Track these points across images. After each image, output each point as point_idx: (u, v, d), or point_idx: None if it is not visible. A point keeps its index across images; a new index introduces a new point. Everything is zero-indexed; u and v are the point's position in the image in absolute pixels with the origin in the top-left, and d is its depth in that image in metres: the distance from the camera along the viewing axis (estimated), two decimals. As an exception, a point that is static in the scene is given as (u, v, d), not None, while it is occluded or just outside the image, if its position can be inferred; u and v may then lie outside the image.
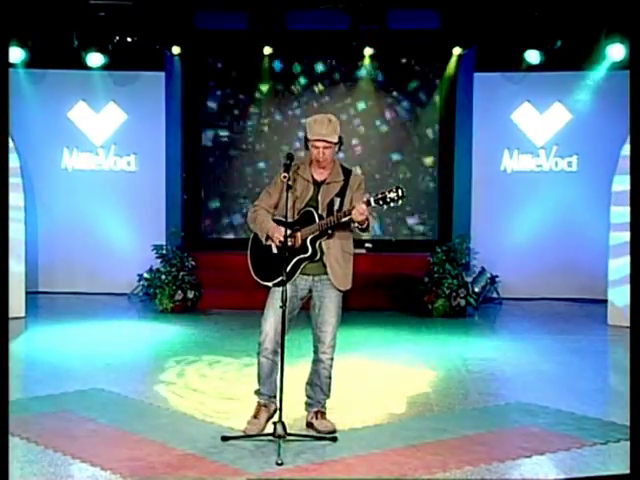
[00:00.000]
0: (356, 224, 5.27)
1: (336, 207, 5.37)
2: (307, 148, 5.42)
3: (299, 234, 5.34)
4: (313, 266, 5.41)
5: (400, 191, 5.11)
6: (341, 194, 5.40)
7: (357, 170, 5.41)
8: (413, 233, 12.24)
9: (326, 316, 5.44)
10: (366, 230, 5.34)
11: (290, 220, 5.35)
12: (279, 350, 5.25)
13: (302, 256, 5.35)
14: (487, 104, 11.52)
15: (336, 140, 5.33)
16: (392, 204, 5.15)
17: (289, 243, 5.26)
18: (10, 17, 4.89)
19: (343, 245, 5.44)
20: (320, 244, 5.36)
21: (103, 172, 11.79)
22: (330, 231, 5.34)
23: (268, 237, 5.40)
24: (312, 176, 5.43)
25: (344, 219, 5.25)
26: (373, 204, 5.14)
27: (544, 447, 5.25)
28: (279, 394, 5.18)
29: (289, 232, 5.28)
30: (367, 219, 5.22)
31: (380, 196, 5.13)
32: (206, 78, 12.24)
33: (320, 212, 5.36)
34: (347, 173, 5.49)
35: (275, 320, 5.32)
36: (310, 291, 5.49)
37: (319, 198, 5.40)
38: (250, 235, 5.58)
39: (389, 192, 5.12)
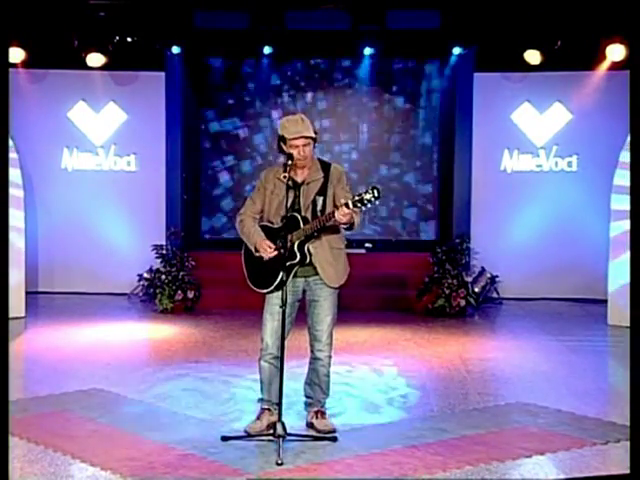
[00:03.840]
0: (342, 225, 5.28)
1: (319, 207, 5.36)
2: (281, 151, 5.38)
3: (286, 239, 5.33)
4: (304, 268, 5.40)
5: (376, 191, 5.06)
6: (322, 192, 5.39)
7: (339, 164, 5.38)
8: (413, 233, 12.24)
9: (321, 315, 5.44)
10: (351, 229, 5.32)
11: (275, 226, 5.36)
12: (280, 355, 5.26)
13: (292, 262, 5.34)
14: (487, 104, 11.52)
15: (313, 135, 5.31)
16: (369, 205, 5.11)
17: (279, 252, 5.28)
18: (10, 17, 4.87)
19: (331, 242, 5.43)
20: (308, 247, 5.36)
21: (103, 172, 11.80)
22: (316, 234, 5.34)
23: (257, 249, 5.40)
24: (292, 178, 5.40)
25: (328, 223, 5.25)
26: (352, 207, 5.09)
27: (544, 447, 5.25)
28: (279, 394, 5.18)
29: (278, 241, 5.29)
30: (351, 219, 5.20)
31: (357, 198, 5.08)
32: (206, 77, 12.24)
33: (304, 214, 5.35)
34: (326, 168, 5.46)
35: (274, 326, 5.33)
36: (304, 292, 5.50)
37: (301, 200, 5.39)
38: (243, 244, 5.56)
39: (365, 193, 5.07)
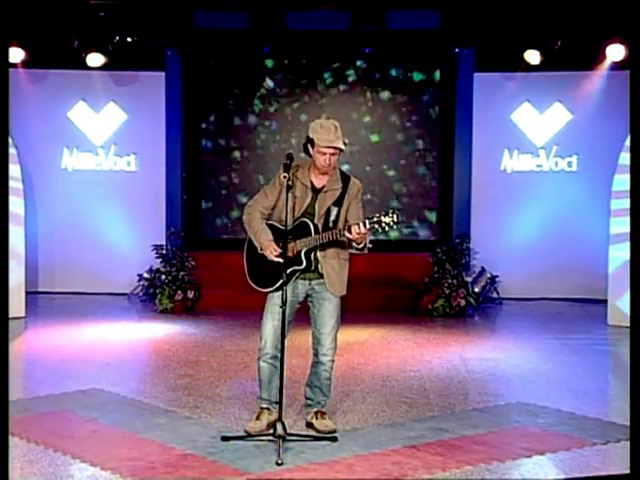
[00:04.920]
0: (353, 243, 5.27)
1: (332, 217, 5.36)
2: (306, 152, 5.38)
3: (293, 245, 5.33)
4: (310, 272, 5.40)
5: (395, 216, 5.06)
6: (338, 203, 5.39)
7: (354, 179, 5.42)
8: (413, 233, 12.24)
9: (325, 318, 5.44)
10: (362, 249, 5.31)
11: (285, 228, 5.33)
12: (279, 355, 5.26)
13: (296, 268, 5.35)
14: (487, 104, 11.52)
15: (343, 147, 5.30)
16: (387, 229, 5.11)
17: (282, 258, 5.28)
18: (10, 17, 4.88)
19: (339, 252, 5.43)
20: (315, 254, 5.36)
21: (103, 172, 11.80)
22: (324, 245, 5.34)
23: (262, 248, 5.40)
24: (311, 182, 5.41)
25: (340, 238, 5.25)
26: (368, 226, 5.09)
27: (544, 447, 5.25)
28: (279, 394, 5.19)
29: (285, 243, 5.27)
30: (364, 239, 5.21)
31: (375, 220, 5.08)
32: (206, 78, 12.24)
33: (316, 221, 5.35)
34: (346, 180, 5.46)
35: (274, 325, 5.33)
36: (308, 295, 5.49)
37: (316, 206, 5.38)
38: (246, 239, 5.56)
39: (384, 216, 5.07)
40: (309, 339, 5.60)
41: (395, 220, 5.05)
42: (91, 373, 7.19)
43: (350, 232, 5.14)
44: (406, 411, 6.11)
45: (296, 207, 5.35)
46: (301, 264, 5.33)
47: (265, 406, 5.49)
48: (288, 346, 5.37)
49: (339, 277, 5.43)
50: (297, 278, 5.39)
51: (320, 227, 5.33)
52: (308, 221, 5.34)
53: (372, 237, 5.42)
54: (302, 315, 5.57)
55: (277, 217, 5.46)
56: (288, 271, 5.28)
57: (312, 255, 5.35)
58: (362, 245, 5.27)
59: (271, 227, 5.44)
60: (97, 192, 11.71)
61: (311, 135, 5.32)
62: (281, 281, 5.21)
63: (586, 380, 7.11)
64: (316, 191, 5.40)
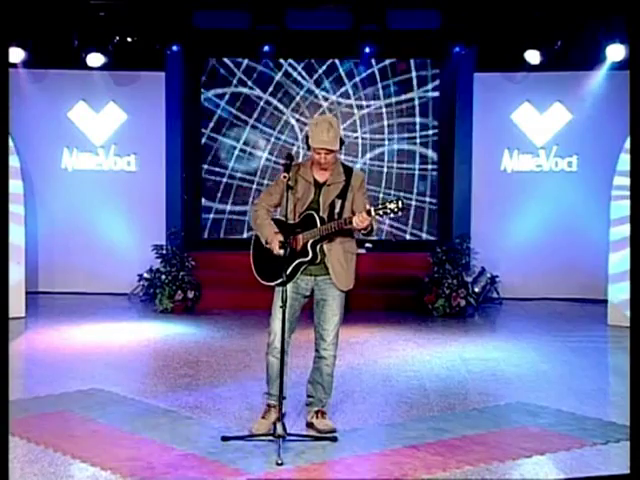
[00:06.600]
0: (361, 231, 5.34)
1: (337, 209, 5.41)
2: (309, 148, 5.44)
3: (300, 237, 5.37)
4: (315, 267, 5.44)
5: (400, 203, 5.16)
6: (342, 195, 5.44)
7: (357, 167, 5.54)
8: (413, 233, 12.24)
9: (329, 314, 5.47)
10: (369, 234, 5.42)
11: (292, 222, 5.40)
12: (288, 350, 5.28)
13: (302, 259, 5.39)
14: (487, 104, 11.52)
15: (336, 148, 5.35)
16: (392, 215, 5.24)
17: (289, 248, 5.31)
18: (10, 17, 4.88)
19: (345, 246, 5.48)
20: (321, 247, 5.41)
21: (103, 172, 11.80)
22: (331, 235, 5.38)
23: (267, 242, 5.45)
24: (313, 177, 5.47)
25: (345, 227, 5.30)
26: (373, 214, 5.19)
27: (544, 447, 5.25)
28: (280, 393, 5.20)
29: (290, 236, 5.33)
30: (370, 225, 5.27)
31: (381, 206, 5.18)
32: (206, 77, 12.24)
33: (321, 214, 5.40)
34: (348, 172, 5.52)
35: (283, 319, 5.34)
36: (313, 290, 5.51)
37: (320, 200, 5.43)
38: (253, 234, 5.64)
39: (390, 203, 5.17)
40: (309, 338, 5.62)
41: (400, 206, 5.16)
42: (91, 373, 7.19)
43: (356, 220, 5.20)
44: (406, 411, 6.11)
45: (299, 203, 5.42)
46: (307, 256, 5.38)
47: (273, 402, 5.47)
48: (294, 345, 5.37)
49: (346, 271, 5.48)
50: (303, 272, 5.41)
51: (326, 219, 5.39)
52: (314, 213, 5.40)
53: (373, 237, 5.47)
54: (305, 315, 5.57)
55: (282, 215, 5.52)
56: (294, 263, 5.35)
57: (318, 247, 5.40)
58: (368, 230, 5.34)
59: (278, 221, 5.50)
60: (97, 192, 11.71)
61: (308, 132, 5.41)
62: (280, 279, 5.23)
63: (586, 380, 7.11)
64: (319, 185, 5.46)
